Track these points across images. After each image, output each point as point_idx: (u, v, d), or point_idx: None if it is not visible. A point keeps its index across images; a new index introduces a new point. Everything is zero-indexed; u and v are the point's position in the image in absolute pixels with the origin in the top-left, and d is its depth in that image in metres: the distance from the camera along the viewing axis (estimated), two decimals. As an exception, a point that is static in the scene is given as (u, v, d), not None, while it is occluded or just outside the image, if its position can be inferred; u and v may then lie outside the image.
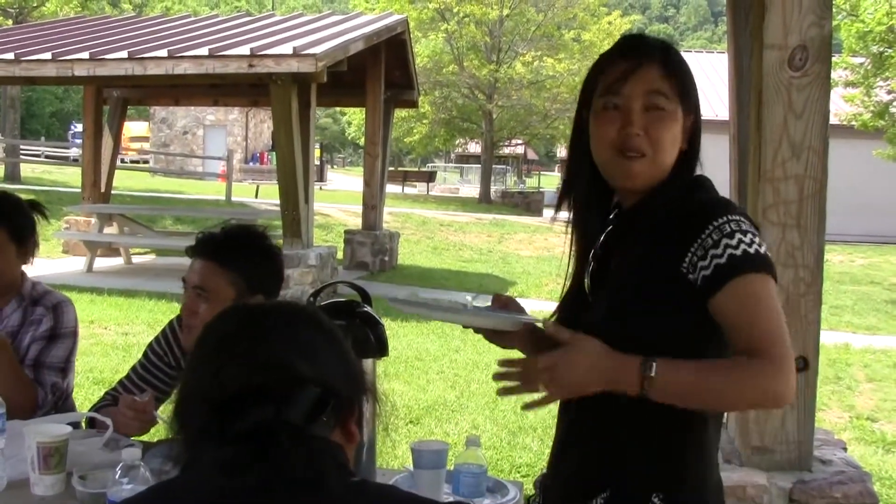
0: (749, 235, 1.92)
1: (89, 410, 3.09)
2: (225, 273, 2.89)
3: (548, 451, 6.58)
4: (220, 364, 1.40)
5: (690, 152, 2.09)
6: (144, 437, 2.94)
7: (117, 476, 2.03)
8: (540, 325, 1.99)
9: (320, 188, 17.29)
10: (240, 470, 1.31)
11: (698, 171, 2.11)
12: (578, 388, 1.93)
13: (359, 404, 1.49)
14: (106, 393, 3.26)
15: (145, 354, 3.25)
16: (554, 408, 6.79)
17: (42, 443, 2.41)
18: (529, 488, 2.26)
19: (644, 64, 2.07)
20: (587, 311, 2.10)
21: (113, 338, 9.62)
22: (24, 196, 3.57)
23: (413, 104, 19.50)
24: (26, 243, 3.38)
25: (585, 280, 2.17)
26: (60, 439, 2.45)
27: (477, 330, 2.17)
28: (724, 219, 1.92)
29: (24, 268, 3.46)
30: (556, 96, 37.68)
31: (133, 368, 3.25)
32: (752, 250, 1.90)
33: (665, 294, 1.96)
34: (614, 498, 2.04)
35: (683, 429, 1.99)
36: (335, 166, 68.82)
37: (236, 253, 2.93)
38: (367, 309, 2.62)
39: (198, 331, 3.29)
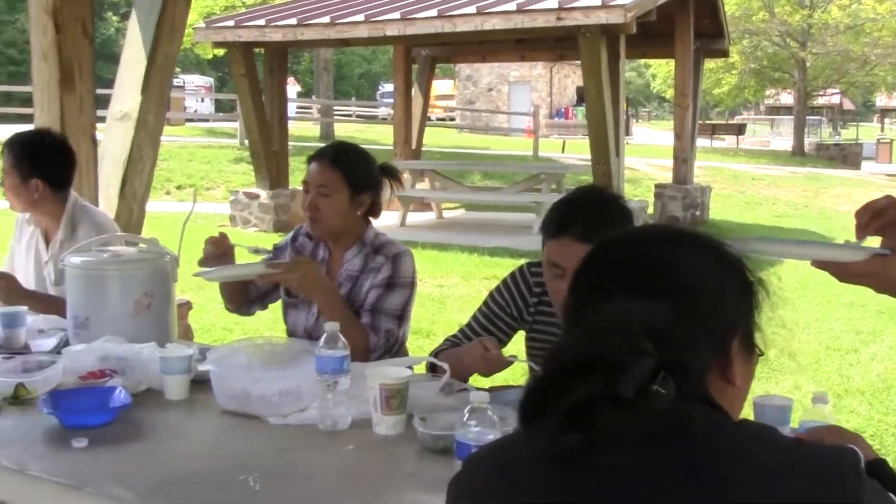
0: None
1: (429, 355, 3.13)
2: None
3: (877, 416, 6.24)
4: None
5: None
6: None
7: (465, 418, 2.03)
8: (886, 252, 1.81)
9: (626, 142, 17.20)
10: (560, 436, 1.25)
11: None
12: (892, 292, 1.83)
13: (744, 346, 1.39)
14: (446, 339, 3.31)
15: (486, 304, 3.26)
16: (884, 373, 6.38)
17: (385, 385, 2.45)
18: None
19: None
20: None
21: (429, 289, 9.87)
22: None
23: (724, 54, 18.96)
24: (361, 193, 3.46)
25: None
26: (402, 382, 2.48)
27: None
28: None
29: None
30: (876, 41, 35.62)
31: (474, 317, 3.26)
32: None
33: None
34: None
35: None
36: (640, 120, 68.06)
37: None
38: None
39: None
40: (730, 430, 1.28)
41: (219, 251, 3.41)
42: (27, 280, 4.11)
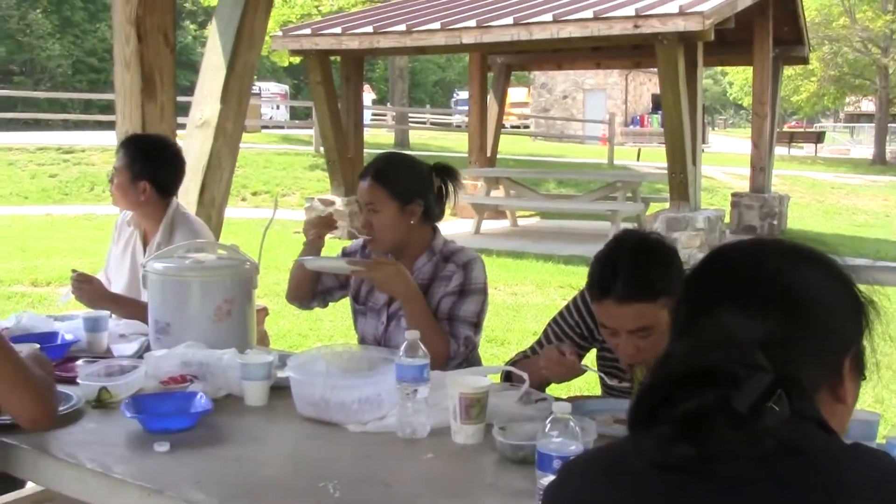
0: None
1: (505, 364, 3.12)
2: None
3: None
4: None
5: None
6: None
7: (547, 429, 2.01)
8: None
9: (702, 150, 16.81)
10: (671, 446, 1.24)
11: None
12: None
13: (855, 365, 1.37)
14: (518, 353, 3.28)
15: (556, 322, 3.21)
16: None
17: (464, 394, 2.44)
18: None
19: None
20: None
21: (503, 297, 9.86)
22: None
23: (803, 60, 18.71)
24: (409, 203, 3.43)
25: None
26: (482, 391, 2.46)
27: None
28: None
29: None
30: (962, 46, 34.91)
31: (544, 334, 3.22)
32: None
33: None
34: None
35: None
36: (716, 128, 67.40)
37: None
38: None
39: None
40: (842, 455, 1.26)
41: (322, 223, 3.58)
42: (121, 281, 4.19)
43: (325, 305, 3.87)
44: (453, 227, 15.75)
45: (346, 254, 3.72)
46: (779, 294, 1.34)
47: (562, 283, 10.82)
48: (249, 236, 11.76)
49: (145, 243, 4.22)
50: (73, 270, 3.93)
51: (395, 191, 3.40)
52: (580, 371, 2.85)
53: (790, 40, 16.89)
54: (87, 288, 3.87)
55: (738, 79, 45.53)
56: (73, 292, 3.86)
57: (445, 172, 3.59)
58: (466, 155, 18.49)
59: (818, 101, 41.51)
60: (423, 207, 3.45)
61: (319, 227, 3.59)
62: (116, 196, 4.17)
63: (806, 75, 37.06)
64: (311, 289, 3.73)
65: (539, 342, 3.23)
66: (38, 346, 2.83)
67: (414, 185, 3.46)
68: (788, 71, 30.97)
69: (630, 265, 2.69)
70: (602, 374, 2.85)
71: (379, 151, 3.88)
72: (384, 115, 36.83)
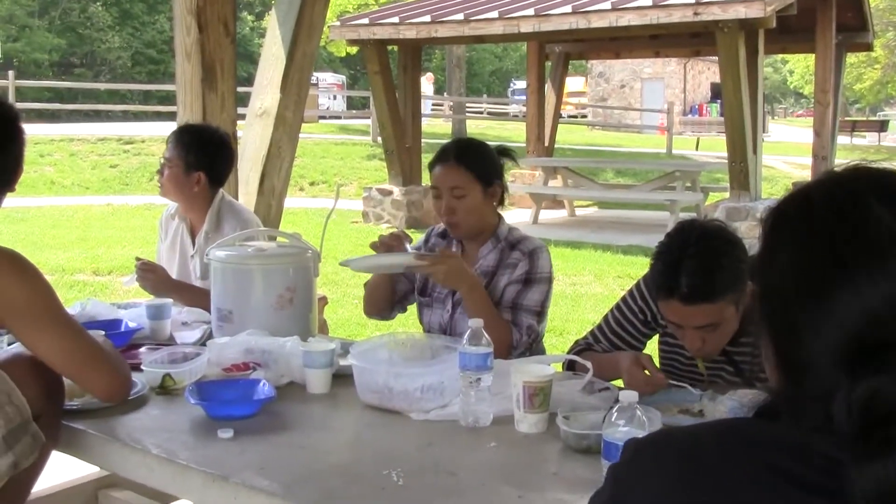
0: None
1: (567, 353, 3.09)
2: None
3: None
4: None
5: None
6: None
7: (613, 417, 1.99)
8: None
9: (762, 140, 16.46)
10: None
11: None
12: None
13: None
14: (576, 341, 3.24)
15: (619, 308, 3.15)
16: None
17: (528, 382, 2.42)
18: None
19: None
20: None
21: (562, 287, 9.80)
22: None
23: (868, 47, 18.45)
24: (492, 184, 3.44)
25: None
26: (545, 380, 2.44)
27: None
28: None
29: None
30: None
31: (606, 321, 3.17)
32: None
33: None
34: None
35: None
36: (776, 117, 66.68)
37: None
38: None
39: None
40: None
41: (392, 242, 3.41)
42: (172, 275, 4.20)
43: (404, 310, 3.83)
44: (511, 216, 15.70)
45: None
46: None
47: (620, 273, 10.75)
48: (308, 226, 11.81)
49: (193, 234, 4.24)
50: (138, 259, 3.95)
51: (479, 172, 3.42)
52: (665, 385, 2.74)
53: (854, 27, 16.64)
54: (151, 277, 3.90)
55: (798, 66, 45.05)
56: (138, 280, 3.89)
57: (507, 155, 3.60)
58: (524, 144, 18.43)
59: (882, 89, 40.94)
60: (502, 189, 3.47)
61: (391, 241, 3.43)
62: (168, 187, 4.16)
63: (869, 63, 36.56)
64: (388, 299, 3.70)
65: (600, 328, 3.18)
66: (102, 333, 2.85)
67: (494, 167, 3.49)
68: (851, 58, 30.53)
69: (694, 267, 2.60)
70: (699, 392, 2.73)
71: (437, 141, 3.87)
72: (441, 105, 36.83)
